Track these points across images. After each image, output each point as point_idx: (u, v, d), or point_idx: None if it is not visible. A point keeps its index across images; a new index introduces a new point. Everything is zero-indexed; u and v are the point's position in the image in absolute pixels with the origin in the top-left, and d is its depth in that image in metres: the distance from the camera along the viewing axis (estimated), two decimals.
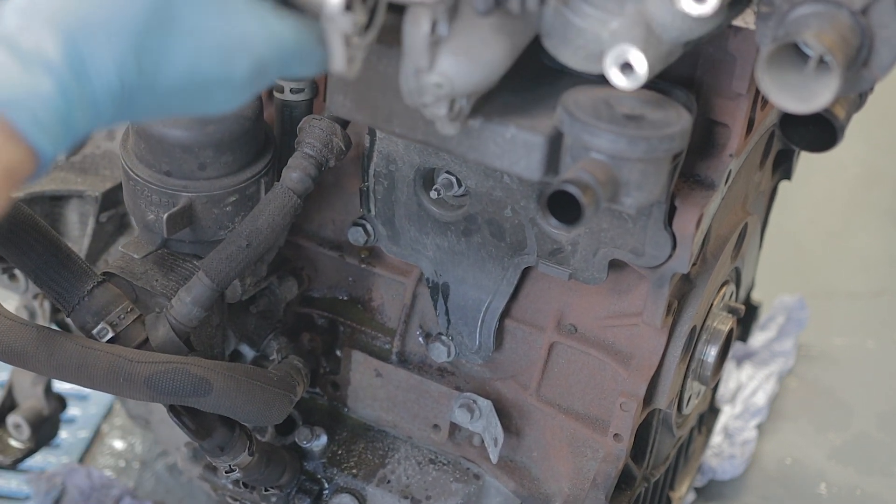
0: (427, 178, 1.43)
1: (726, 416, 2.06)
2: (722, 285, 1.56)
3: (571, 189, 1.08)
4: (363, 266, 1.58)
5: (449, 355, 1.53)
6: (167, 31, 0.94)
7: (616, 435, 1.45)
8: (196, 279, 1.35)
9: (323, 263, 1.60)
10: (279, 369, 1.45)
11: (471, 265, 1.46)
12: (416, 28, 1.05)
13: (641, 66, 1.07)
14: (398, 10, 1.07)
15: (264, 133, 1.44)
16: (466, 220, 1.42)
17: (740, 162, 1.40)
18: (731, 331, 1.56)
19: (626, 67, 1.08)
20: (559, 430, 1.51)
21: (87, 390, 2.05)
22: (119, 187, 1.60)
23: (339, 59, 1.03)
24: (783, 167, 1.69)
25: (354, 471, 1.60)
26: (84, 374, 1.29)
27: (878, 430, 2.12)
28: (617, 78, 1.09)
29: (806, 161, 1.79)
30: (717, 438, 2.02)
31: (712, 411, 1.92)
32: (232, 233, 1.37)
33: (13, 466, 1.81)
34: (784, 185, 1.77)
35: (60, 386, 1.95)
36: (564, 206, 1.10)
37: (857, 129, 1.75)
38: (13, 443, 1.81)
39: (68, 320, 1.67)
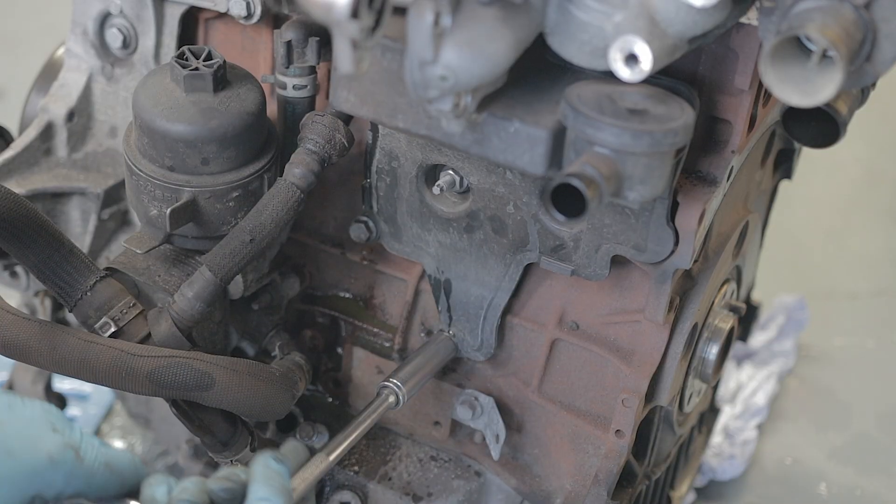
0: (429, 175, 1.43)
1: (726, 416, 2.06)
2: (723, 283, 1.56)
3: (576, 182, 1.08)
4: (365, 263, 1.58)
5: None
6: None
7: (618, 431, 1.45)
8: (199, 274, 1.35)
9: (325, 261, 1.60)
10: (281, 365, 1.45)
11: (473, 262, 1.46)
12: (420, 19, 1.05)
13: (646, 57, 1.08)
14: (404, 10, 1.07)
15: (267, 129, 1.44)
16: (469, 217, 1.43)
17: (742, 159, 1.41)
18: (732, 329, 1.56)
19: (631, 59, 1.09)
20: (561, 426, 1.51)
21: (88, 390, 2.05)
22: (121, 184, 1.61)
23: (347, 62, 1.03)
24: (784, 166, 1.70)
25: (356, 468, 1.60)
26: (86, 368, 1.29)
27: (878, 430, 2.12)
28: (621, 70, 1.09)
29: (806, 161, 1.80)
30: (717, 438, 2.02)
31: (712, 411, 1.92)
32: (235, 228, 1.37)
33: None
34: (784, 185, 1.77)
35: (61, 385, 1.95)
36: (568, 200, 1.11)
37: (858, 129, 1.75)
38: None
39: (70, 318, 1.67)
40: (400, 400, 1.43)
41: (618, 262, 1.38)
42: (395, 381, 1.43)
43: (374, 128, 1.43)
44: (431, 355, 1.49)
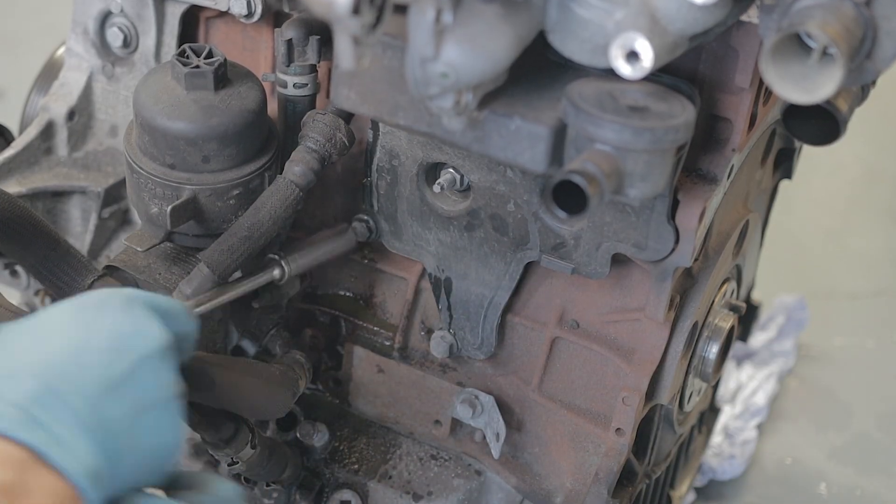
0: (430, 173, 1.43)
1: (726, 416, 2.06)
2: (723, 282, 1.56)
3: (577, 179, 1.08)
4: (365, 262, 1.58)
5: (451, 351, 1.53)
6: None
7: (618, 429, 1.45)
8: (197, 270, 1.35)
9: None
10: (281, 364, 1.45)
11: (473, 260, 1.46)
12: (422, 16, 1.05)
13: (647, 54, 1.08)
14: (405, 8, 1.08)
15: (268, 127, 1.44)
16: (469, 216, 1.43)
17: (742, 157, 1.41)
18: (732, 328, 1.56)
19: (632, 56, 1.09)
20: (561, 425, 1.51)
21: None
22: (121, 183, 1.61)
23: (348, 59, 1.03)
24: (784, 166, 1.70)
25: (356, 467, 1.59)
26: None
27: (878, 430, 2.12)
28: (622, 67, 1.09)
29: (806, 160, 1.80)
30: (717, 438, 2.02)
31: (712, 411, 1.92)
32: (233, 224, 1.37)
33: None
34: (784, 185, 1.77)
35: None
36: (569, 198, 1.11)
37: (858, 129, 1.75)
38: None
39: None
40: (285, 275, 1.43)
41: (618, 260, 1.38)
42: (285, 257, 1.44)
43: (375, 126, 1.43)
44: (331, 248, 1.50)
